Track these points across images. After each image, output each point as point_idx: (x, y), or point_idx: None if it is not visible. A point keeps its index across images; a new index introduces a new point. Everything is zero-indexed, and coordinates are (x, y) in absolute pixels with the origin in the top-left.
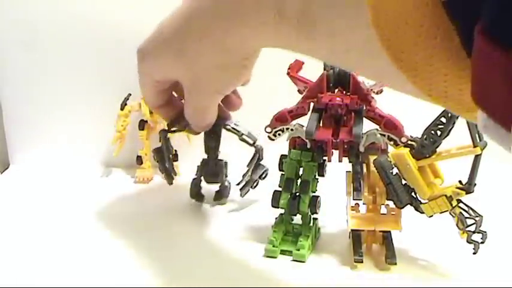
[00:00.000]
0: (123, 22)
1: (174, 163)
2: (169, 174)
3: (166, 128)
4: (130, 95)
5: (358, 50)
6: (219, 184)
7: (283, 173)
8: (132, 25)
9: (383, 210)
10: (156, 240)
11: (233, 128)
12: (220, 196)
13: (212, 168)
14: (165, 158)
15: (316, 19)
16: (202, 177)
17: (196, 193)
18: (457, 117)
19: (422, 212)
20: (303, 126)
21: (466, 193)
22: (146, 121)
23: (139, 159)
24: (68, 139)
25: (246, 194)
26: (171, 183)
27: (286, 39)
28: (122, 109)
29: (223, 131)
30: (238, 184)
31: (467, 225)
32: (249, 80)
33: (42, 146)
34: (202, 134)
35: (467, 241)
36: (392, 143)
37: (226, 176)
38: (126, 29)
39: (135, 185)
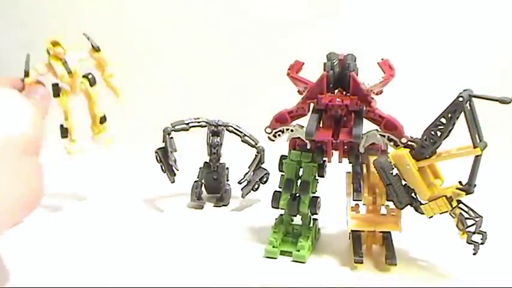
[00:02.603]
0: (123, 23)
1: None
2: (172, 171)
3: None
4: (29, 55)
5: None
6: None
7: (283, 173)
8: (131, 25)
9: (383, 210)
10: (156, 240)
11: (235, 129)
12: (221, 202)
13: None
14: (169, 155)
15: None
16: (203, 181)
17: (197, 195)
18: (457, 118)
19: (422, 213)
20: (302, 127)
21: (466, 194)
22: (58, 84)
23: (64, 131)
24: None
25: (247, 194)
26: (174, 181)
27: None
28: (27, 76)
29: (226, 132)
30: (239, 182)
31: (467, 226)
32: None
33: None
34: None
35: (467, 242)
36: (392, 143)
37: (227, 180)
38: (125, 29)
39: (135, 186)
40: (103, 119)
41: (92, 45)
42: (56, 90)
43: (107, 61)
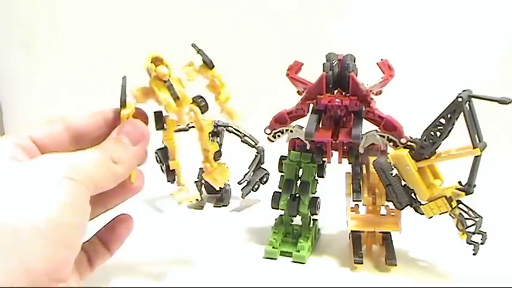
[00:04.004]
0: (123, 23)
1: None
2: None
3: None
4: (125, 78)
5: None
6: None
7: (283, 174)
8: (133, 25)
9: (383, 211)
10: (156, 240)
11: (235, 130)
12: (221, 202)
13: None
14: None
15: None
16: (203, 181)
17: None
18: (457, 119)
19: (422, 213)
20: (302, 127)
21: (466, 194)
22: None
23: (171, 174)
24: None
25: (247, 194)
26: (173, 182)
27: None
28: (123, 106)
29: (226, 132)
30: (239, 183)
31: (467, 226)
32: None
33: None
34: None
35: (467, 242)
36: (391, 144)
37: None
38: (126, 29)
39: None
40: (217, 154)
41: (204, 61)
42: (160, 121)
43: (222, 80)
